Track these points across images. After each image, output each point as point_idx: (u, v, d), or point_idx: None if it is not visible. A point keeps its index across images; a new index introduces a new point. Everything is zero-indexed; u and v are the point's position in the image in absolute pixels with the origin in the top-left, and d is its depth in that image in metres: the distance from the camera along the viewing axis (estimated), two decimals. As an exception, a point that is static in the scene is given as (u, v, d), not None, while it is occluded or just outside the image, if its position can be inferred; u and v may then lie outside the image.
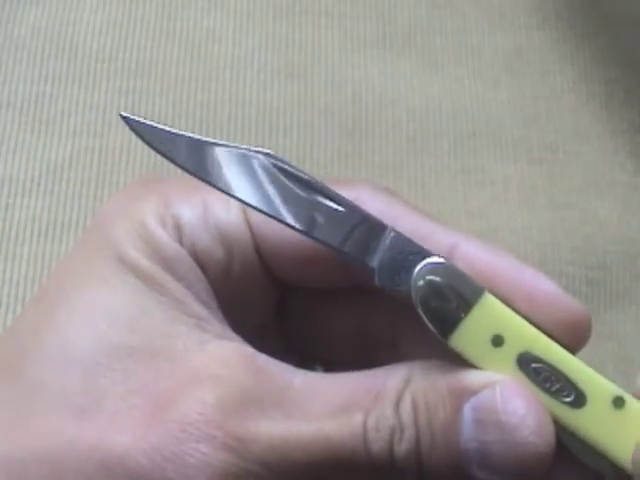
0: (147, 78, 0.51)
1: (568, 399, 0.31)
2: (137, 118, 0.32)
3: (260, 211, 0.32)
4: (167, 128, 0.32)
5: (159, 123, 0.32)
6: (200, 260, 0.33)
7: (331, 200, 0.32)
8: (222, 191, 0.32)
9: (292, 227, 0.32)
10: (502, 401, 0.30)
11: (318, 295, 0.36)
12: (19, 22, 0.51)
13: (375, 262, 0.31)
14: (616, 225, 0.51)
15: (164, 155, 0.32)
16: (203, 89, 0.51)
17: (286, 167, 0.32)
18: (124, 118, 0.32)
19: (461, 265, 0.32)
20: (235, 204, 0.34)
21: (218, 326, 0.32)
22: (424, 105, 0.52)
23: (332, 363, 0.36)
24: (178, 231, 0.33)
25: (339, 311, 0.36)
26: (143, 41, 0.52)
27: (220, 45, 0.52)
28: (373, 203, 0.33)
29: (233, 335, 0.32)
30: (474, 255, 0.33)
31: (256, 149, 0.32)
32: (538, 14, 0.54)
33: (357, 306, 0.36)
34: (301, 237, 0.32)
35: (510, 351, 0.31)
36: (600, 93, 0.53)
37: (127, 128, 0.31)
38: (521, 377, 0.31)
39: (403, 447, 0.30)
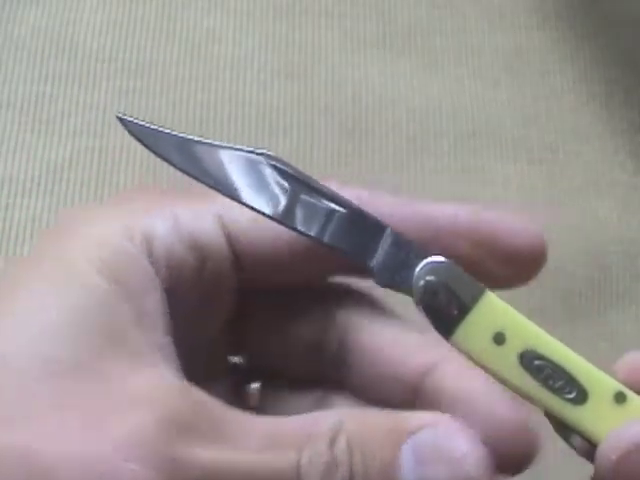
0: (147, 78, 0.51)
1: (570, 396, 0.31)
2: (134, 119, 0.31)
3: (258, 212, 0.31)
4: (164, 129, 0.31)
5: (156, 124, 0.31)
6: (171, 272, 0.32)
7: (330, 200, 0.32)
8: (219, 192, 0.31)
9: (291, 228, 0.31)
10: (444, 439, 0.30)
11: (277, 311, 0.36)
12: (19, 22, 0.51)
13: (375, 261, 0.31)
14: (616, 225, 0.51)
15: (161, 157, 0.31)
16: (203, 89, 0.51)
17: (285, 168, 0.32)
18: (120, 119, 0.31)
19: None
20: (208, 213, 0.33)
21: (158, 355, 0.32)
22: (424, 105, 0.52)
23: (290, 380, 0.36)
24: (148, 244, 0.32)
25: (296, 327, 0.36)
26: (143, 41, 0.51)
27: (220, 45, 0.52)
28: (369, 203, 0.33)
29: (172, 365, 0.32)
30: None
31: (254, 150, 0.32)
32: (538, 14, 0.54)
33: (312, 322, 0.35)
34: (278, 233, 0.32)
35: (512, 349, 0.31)
36: (600, 93, 0.53)
37: (126, 128, 0.31)
38: (523, 374, 0.31)
39: None
